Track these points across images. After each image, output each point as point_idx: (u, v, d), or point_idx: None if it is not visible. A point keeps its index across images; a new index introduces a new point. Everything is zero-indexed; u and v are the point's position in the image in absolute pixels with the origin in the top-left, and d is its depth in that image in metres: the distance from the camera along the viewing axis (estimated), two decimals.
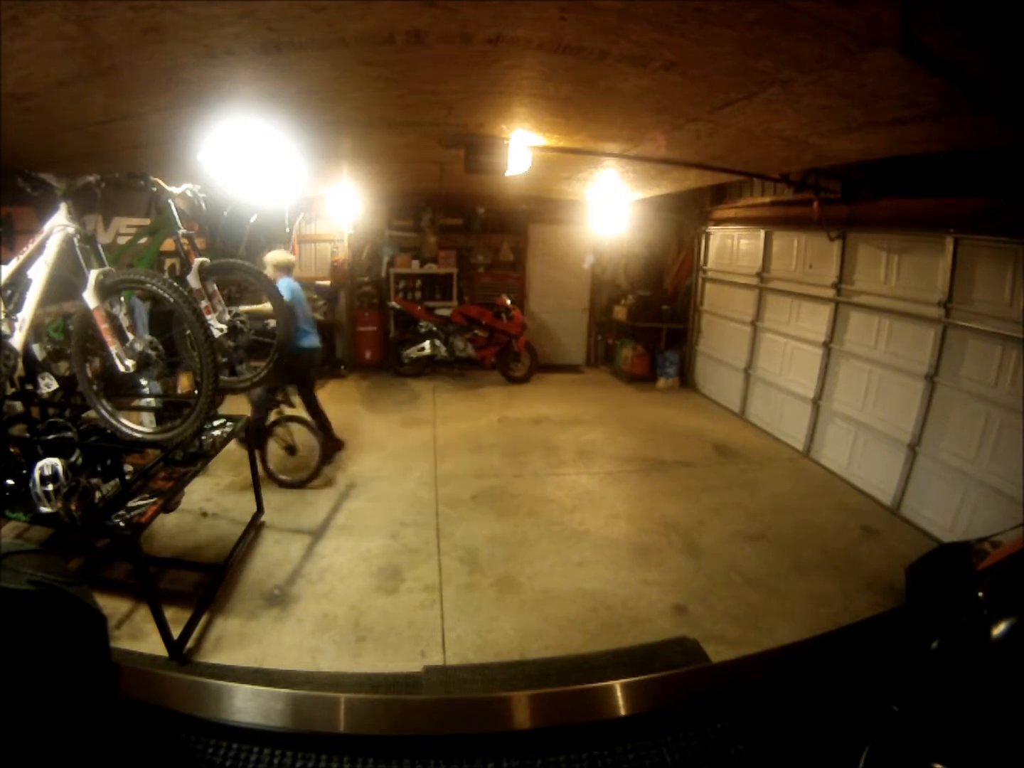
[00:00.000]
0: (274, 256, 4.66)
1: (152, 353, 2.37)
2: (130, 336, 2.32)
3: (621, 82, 2.24)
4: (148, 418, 3.79)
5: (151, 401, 4.06)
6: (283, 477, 4.53)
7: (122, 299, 2.39)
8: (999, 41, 1.60)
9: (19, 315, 2.33)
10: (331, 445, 4.99)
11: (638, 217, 7.20)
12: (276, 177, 3.44)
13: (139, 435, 2.59)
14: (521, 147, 3.48)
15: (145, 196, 5.22)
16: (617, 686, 1.23)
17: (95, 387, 2.55)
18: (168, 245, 3.08)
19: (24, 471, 2.68)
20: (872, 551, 3.89)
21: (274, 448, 4.53)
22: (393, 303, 7.86)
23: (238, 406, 4.38)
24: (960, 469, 3.94)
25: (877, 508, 4.51)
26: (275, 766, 1.02)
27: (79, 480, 2.62)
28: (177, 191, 2.88)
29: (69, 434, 3.06)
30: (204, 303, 2.80)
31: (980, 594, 0.99)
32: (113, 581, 3.24)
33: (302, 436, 4.56)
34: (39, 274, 2.30)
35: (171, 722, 1.07)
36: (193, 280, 2.80)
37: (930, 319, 4.21)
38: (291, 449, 4.56)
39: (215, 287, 2.89)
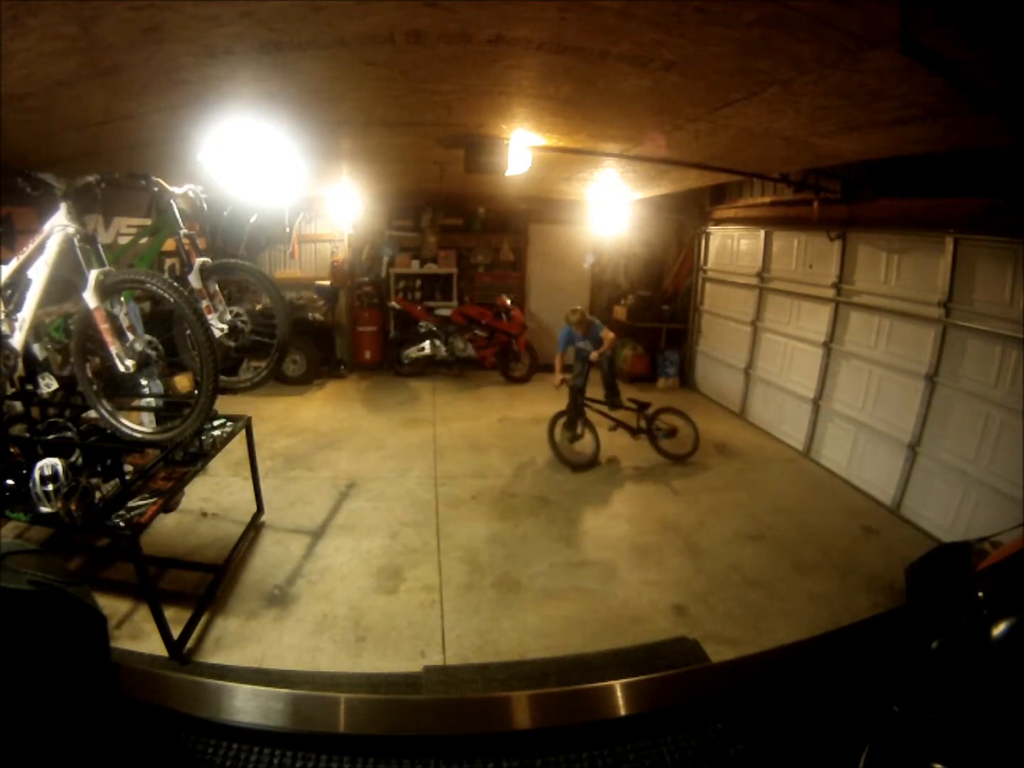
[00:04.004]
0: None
1: (152, 353, 2.37)
2: (130, 336, 2.32)
3: (621, 82, 2.24)
4: (148, 418, 3.79)
5: (151, 401, 4.06)
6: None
7: (122, 299, 2.39)
8: (999, 41, 1.60)
9: (19, 315, 2.33)
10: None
11: (638, 217, 7.19)
12: (276, 177, 3.44)
13: (139, 435, 2.59)
14: (521, 147, 3.48)
15: (145, 196, 5.22)
16: (617, 686, 1.23)
17: (95, 387, 2.55)
18: (169, 245, 3.08)
19: (24, 471, 2.68)
20: (872, 551, 3.88)
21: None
22: (393, 303, 7.86)
23: (242, 406, 4.38)
24: (960, 469, 3.94)
25: (877, 508, 4.50)
26: (275, 766, 1.02)
27: (79, 480, 2.63)
28: (179, 191, 2.89)
29: (69, 434, 3.06)
30: (205, 303, 2.80)
31: (980, 594, 0.99)
32: (113, 581, 3.25)
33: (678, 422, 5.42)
34: (39, 274, 2.30)
35: (171, 722, 1.07)
36: (195, 280, 2.80)
37: (930, 319, 4.21)
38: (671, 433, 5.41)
39: (216, 287, 2.89)
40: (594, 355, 5.53)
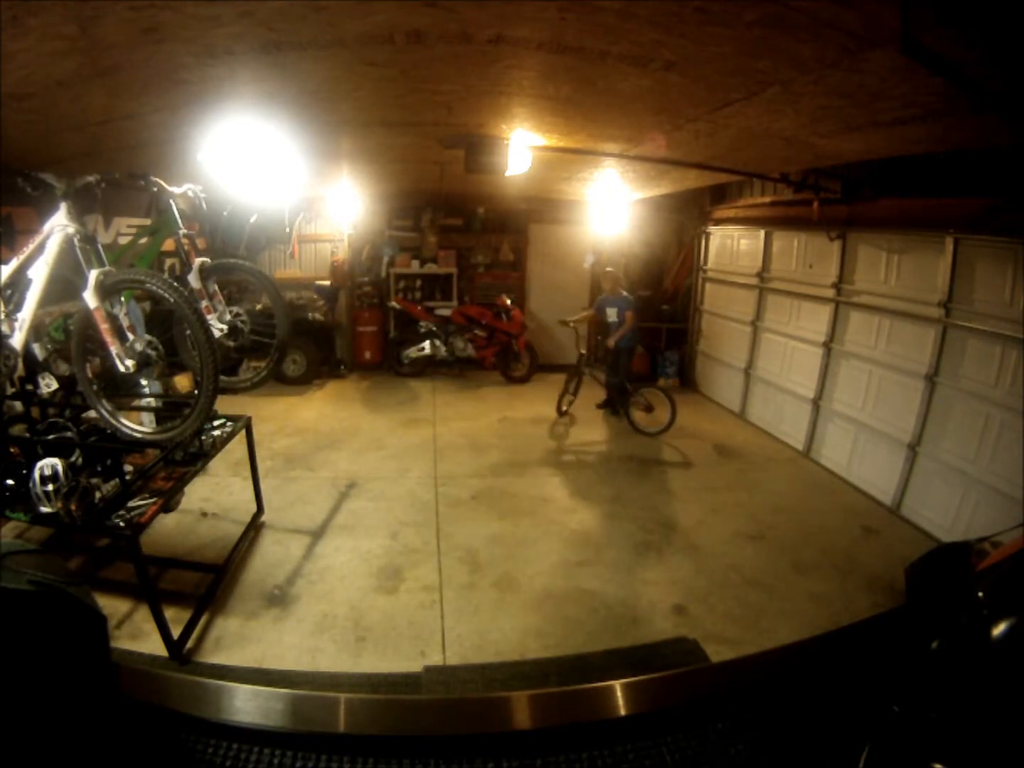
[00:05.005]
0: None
1: (152, 353, 2.37)
2: (130, 336, 2.32)
3: (621, 82, 2.24)
4: (148, 418, 3.79)
5: (151, 401, 4.06)
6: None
7: (122, 299, 2.39)
8: (999, 41, 1.60)
9: (19, 315, 2.33)
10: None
11: (638, 217, 7.19)
12: (276, 177, 3.44)
13: (139, 435, 2.59)
14: (521, 147, 3.48)
15: (145, 196, 5.22)
16: (617, 686, 1.23)
17: (95, 387, 2.55)
18: (169, 245, 3.08)
19: (24, 471, 2.68)
20: (872, 551, 3.88)
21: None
22: (393, 303, 7.86)
23: (242, 406, 4.39)
24: (960, 469, 3.94)
25: (877, 508, 4.50)
26: (275, 766, 1.02)
27: (79, 480, 2.63)
28: (179, 191, 2.88)
29: (69, 434, 3.06)
30: (204, 303, 2.80)
31: (980, 594, 0.98)
32: (113, 581, 3.25)
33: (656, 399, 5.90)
34: (39, 274, 2.30)
35: (171, 722, 1.07)
36: (194, 280, 2.80)
37: (930, 319, 4.21)
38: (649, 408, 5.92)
39: (216, 287, 2.89)
40: (610, 341, 6.06)
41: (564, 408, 6.36)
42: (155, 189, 2.75)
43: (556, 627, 3.07)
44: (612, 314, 6.11)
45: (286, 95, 2.50)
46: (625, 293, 6.21)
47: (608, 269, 6.50)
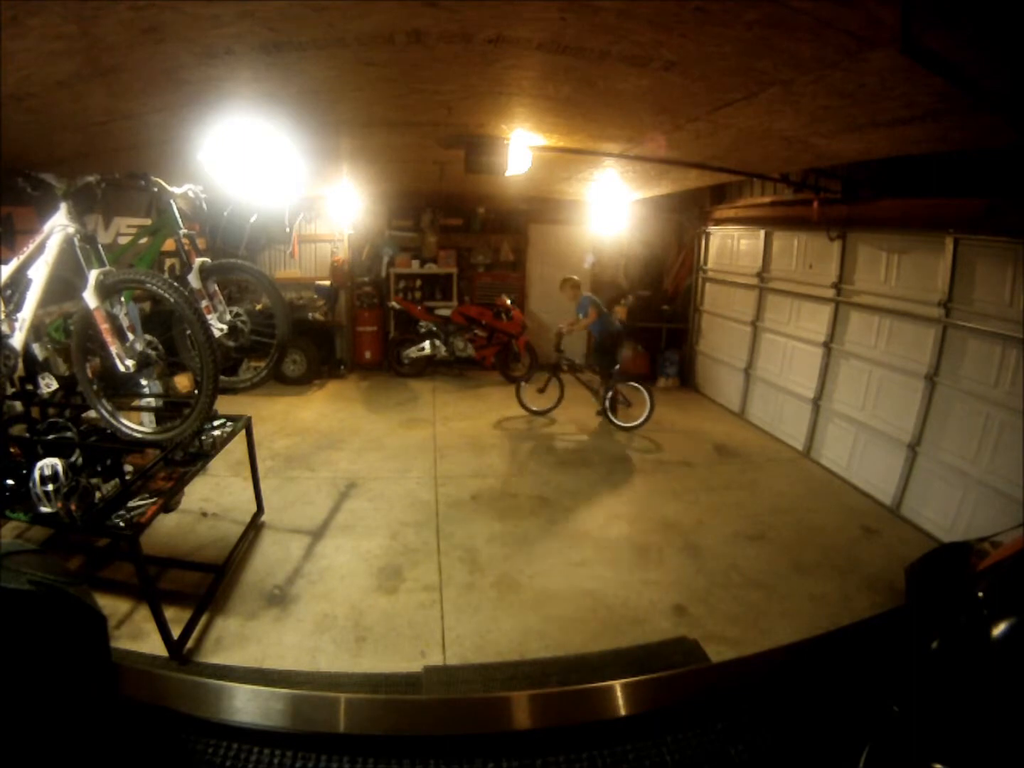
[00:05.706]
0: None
1: (152, 353, 2.37)
2: (130, 336, 2.32)
3: (621, 82, 2.24)
4: (148, 418, 3.79)
5: (151, 401, 4.06)
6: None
7: (122, 299, 2.39)
8: (999, 41, 1.60)
9: (19, 315, 2.33)
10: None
11: (638, 217, 7.19)
12: (276, 177, 3.44)
13: (139, 435, 2.59)
14: (521, 147, 3.48)
15: (145, 196, 5.22)
16: (617, 686, 1.23)
17: (95, 387, 2.56)
18: (169, 245, 3.09)
19: (24, 471, 2.68)
20: (872, 551, 3.88)
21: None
22: (393, 303, 7.86)
23: (242, 406, 4.39)
24: (960, 469, 3.94)
25: (877, 508, 4.50)
26: (275, 766, 1.02)
27: (79, 480, 2.63)
28: (179, 191, 2.89)
29: (69, 434, 3.06)
30: (204, 303, 2.80)
31: (980, 594, 0.98)
32: (113, 581, 3.25)
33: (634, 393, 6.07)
34: (39, 274, 2.30)
35: (171, 722, 1.07)
36: (194, 280, 2.80)
37: (930, 319, 4.21)
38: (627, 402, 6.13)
39: (216, 287, 2.89)
40: (561, 326, 6.21)
41: (535, 408, 6.28)
42: (155, 189, 2.75)
43: (556, 627, 3.07)
44: (579, 317, 6.18)
45: (286, 95, 2.50)
46: (586, 294, 6.21)
47: (566, 278, 6.36)
